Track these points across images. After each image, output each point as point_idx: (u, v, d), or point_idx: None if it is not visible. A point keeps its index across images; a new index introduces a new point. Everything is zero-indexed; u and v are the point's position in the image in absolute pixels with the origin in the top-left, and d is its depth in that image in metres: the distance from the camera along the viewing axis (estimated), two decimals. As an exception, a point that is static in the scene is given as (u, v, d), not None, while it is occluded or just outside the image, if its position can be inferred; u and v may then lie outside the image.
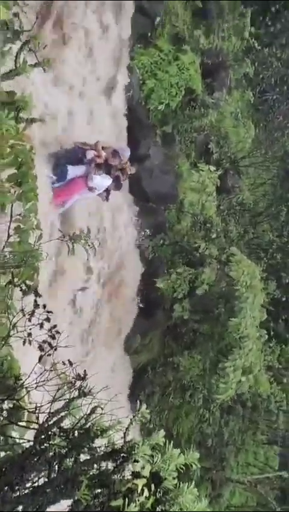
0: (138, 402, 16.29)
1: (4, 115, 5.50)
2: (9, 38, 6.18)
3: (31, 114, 6.07)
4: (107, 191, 15.34)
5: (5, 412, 5.89)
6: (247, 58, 21.08)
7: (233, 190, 21.08)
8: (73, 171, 14.44)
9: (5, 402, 5.87)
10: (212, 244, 18.55)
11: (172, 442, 5.87)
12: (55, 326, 6.15)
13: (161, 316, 18.70)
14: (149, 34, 18.52)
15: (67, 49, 14.87)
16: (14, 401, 5.94)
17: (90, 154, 14.65)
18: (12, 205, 6.59)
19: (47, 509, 5.51)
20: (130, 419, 5.54)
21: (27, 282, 6.82)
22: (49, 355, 6.10)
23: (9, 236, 6.69)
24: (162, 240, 18.63)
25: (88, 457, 5.69)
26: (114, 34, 17.29)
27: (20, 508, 5.46)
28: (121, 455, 5.55)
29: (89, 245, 7.11)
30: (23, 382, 5.87)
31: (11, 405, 6.07)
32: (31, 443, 5.70)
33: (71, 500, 5.44)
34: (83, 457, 5.71)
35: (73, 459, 5.57)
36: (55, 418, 5.63)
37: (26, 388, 5.86)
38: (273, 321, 19.41)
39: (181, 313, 17.83)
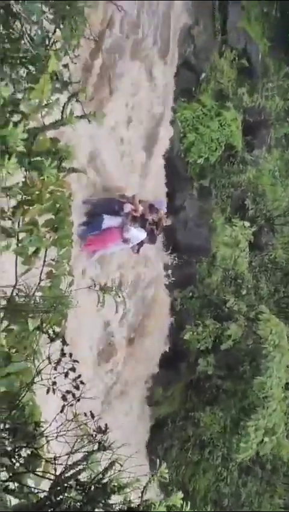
0: (156, 458, 16.12)
1: (47, 163, 5.59)
2: (58, 89, 6.32)
3: (72, 164, 6.15)
4: (139, 243, 15.41)
5: (22, 459, 5.83)
6: None
7: (266, 248, 20.98)
8: (109, 221, 14.54)
9: (23, 449, 5.82)
10: (241, 301, 18.50)
11: (187, 498, 5.73)
12: (79, 376, 6.12)
13: (185, 369, 18.53)
14: (193, 89, 18.82)
15: (112, 99, 15.13)
16: (33, 449, 5.88)
17: (127, 208, 14.76)
18: (46, 251, 6.62)
19: None
20: (149, 478, 5.44)
21: (55, 327, 6.82)
22: (71, 405, 6.05)
23: (40, 280, 6.72)
24: (192, 293, 18.61)
25: (103, 513, 5.58)
26: (158, 87, 17.61)
27: None
28: (137, 513, 5.44)
29: (119, 297, 7.09)
30: (44, 431, 5.82)
31: (29, 452, 6.01)
32: (46, 493, 5.61)
33: None
34: (98, 512, 5.60)
35: (87, 513, 5.47)
36: (72, 471, 5.55)
37: (46, 437, 5.81)
38: (299, 383, 19.10)
39: (205, 368, 17.70)
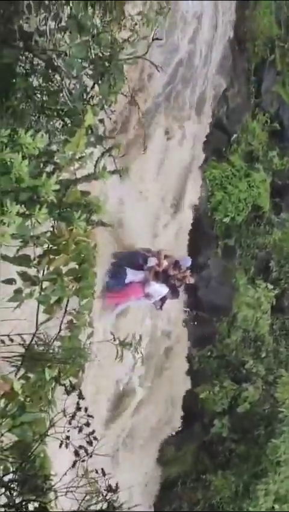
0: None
1: (77, 216, 5.63)
2: (92, 143, 6.40)
3: (101, 217, 6.19)
4: (162, 299, 15.33)
5: (29, 513, 5.73)
6: None
7: (288, 311, 20.87)
8: (132, 277, 14.51)
9: (31, 502, 5.71)
10: (260, 363, 18.33)
11: None
12: (93, 432, 6.05)
13: (199, 429, 18.27)
14: (224, 149, 19.04)
15: (144, 156, 15.30)
16: (40, 502, 5.77)
17: (152, 261, 14.72)
18: (68, 300, 6.63)
19: None
20: None
21: (71, 379, 6.77)
22: (83, 461, 5.96)
23: (60, 330, 6.70)
24: (210, 352, 18.48)
25: None
26: (189, 144, 17.85)
27: None
28: None
29: (138, 353, 7.05)
30: (54, 485, 5.72)
31: (37, 506, 5.90)
32: None
33: None
34: None
35: None
36: (79, 529, 5.44)
37: (55, 491, 5.70)
38: (314, 452, 18.73)
39: (220, 429, 17.47)
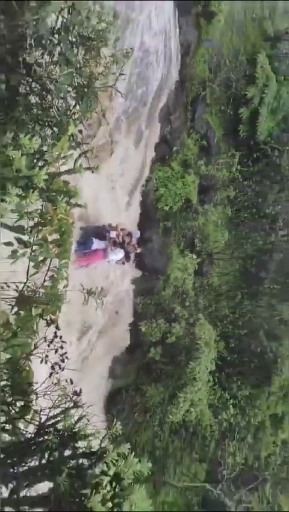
0: (112, 416, 15.74)
1: (60, 199, 5.58)
2: (72, 146, 6.34)
3: (77, 200, 6.15)
4: (122, 258, 15.49)
5: (16, 408, 5.72)
6: (231, 186, 21.36)
7: (206, 275, 21.05)
8: (97, 244, 14.53)
9: (18, 401, 5.72)
10: (184, 310, 18.47)
11: (130, 449, 5.67)
12: (65, 353, 6.06)
13: (140, 354, 18.39)
14: (167, 157, 18.97)
15: (111, 158, 15.17)
16: (25, 401, 5.78)
17: (113, 233, 14.81)
18: (51, 260, 6.57)
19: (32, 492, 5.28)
20: (107, 431, 5.38)
21: (51, 315, 6.75)
22: (57, 373, 5.98)
23: (44, 281, 6.65)
24: (150, 300, 18.54)
25: (71, 453, 5.49)
26: (141, 153, 17.78)
27: (14, 482, 5.22)
28: (96, 456, 5.36)
29: (99, 299, 7.10)
30: (35, 390, 5.73)
31: (22, 404, 5.90)
32: (31, 435, 5.51)
33: (54, 483, 5.22)
34: (67, 452, 5.51)
35: (59, 452, 5.37)
36: (52, 421, 5.46)
37: (36, 394, 5.71)
38: (218, 372, 19.09)
39: (154, 355, 17.59)
